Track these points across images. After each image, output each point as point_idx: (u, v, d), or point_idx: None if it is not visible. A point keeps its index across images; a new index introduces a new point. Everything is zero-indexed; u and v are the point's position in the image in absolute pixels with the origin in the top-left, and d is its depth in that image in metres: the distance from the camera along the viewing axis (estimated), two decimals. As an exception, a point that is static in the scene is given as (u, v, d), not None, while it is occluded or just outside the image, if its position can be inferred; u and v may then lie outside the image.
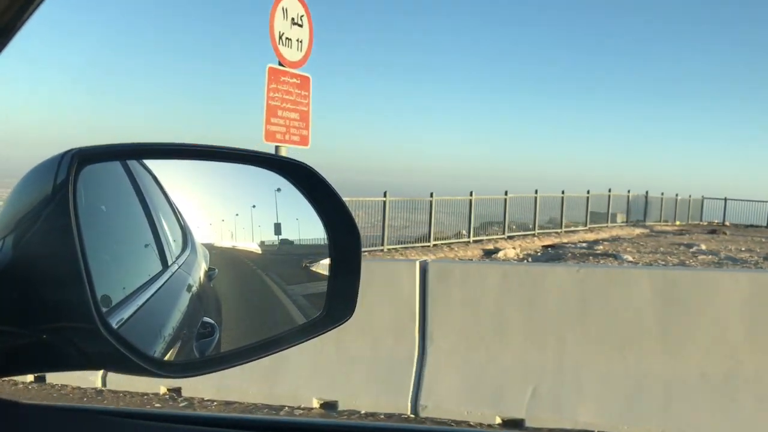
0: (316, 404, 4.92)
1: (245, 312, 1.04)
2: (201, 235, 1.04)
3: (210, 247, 1.00)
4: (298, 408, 4.89)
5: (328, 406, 4.89)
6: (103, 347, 0.66)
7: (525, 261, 16.62)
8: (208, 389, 5.12)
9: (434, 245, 18.40)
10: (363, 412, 4.75)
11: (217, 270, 1.02)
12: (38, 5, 0.66)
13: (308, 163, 0.89)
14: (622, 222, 28.45)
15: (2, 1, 0.63)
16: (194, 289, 1.02)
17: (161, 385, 5.25)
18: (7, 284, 0.66)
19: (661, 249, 19.66)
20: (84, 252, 0.64)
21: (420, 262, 5.00)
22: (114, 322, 0.73)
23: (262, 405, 4.96)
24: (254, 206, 1.01)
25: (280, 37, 6.44)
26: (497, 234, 21.29)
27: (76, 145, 0.70)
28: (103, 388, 5.31)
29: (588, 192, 26.22)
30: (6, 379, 0.75)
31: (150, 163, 0.97)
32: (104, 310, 0.69)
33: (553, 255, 18.49)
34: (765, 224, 32.43)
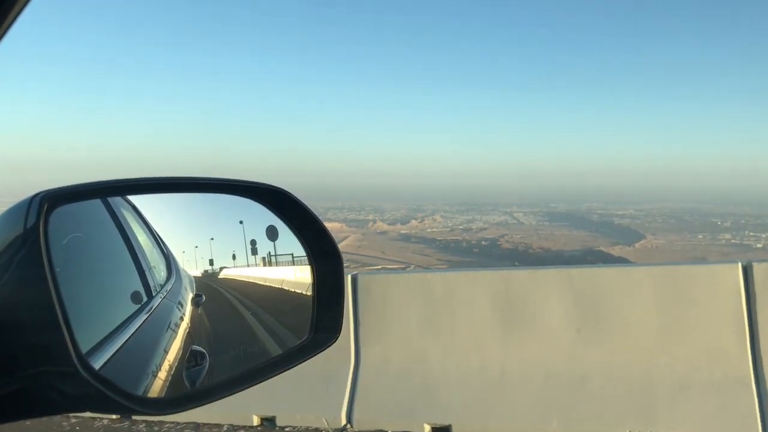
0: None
1: (233, 337, 1.03)
2: (185, 263, 1.04)
3: (195, 275, 1.00)
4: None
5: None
6: (84, 389, 0.65)
7: None
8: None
9: None
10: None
11: (204, 296, 1.01)
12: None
13: (285, 188, 0.88)
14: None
15: None
16: (181, 317, 1.02)
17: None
18: None
19: None
20: (60, 296, 0.63)
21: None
22: (97, 362, 0.72)
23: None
24: (241, 222, 1.00)
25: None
26: None
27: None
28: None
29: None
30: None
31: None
32: (86, 350, 0.69)
33: None
34: None
